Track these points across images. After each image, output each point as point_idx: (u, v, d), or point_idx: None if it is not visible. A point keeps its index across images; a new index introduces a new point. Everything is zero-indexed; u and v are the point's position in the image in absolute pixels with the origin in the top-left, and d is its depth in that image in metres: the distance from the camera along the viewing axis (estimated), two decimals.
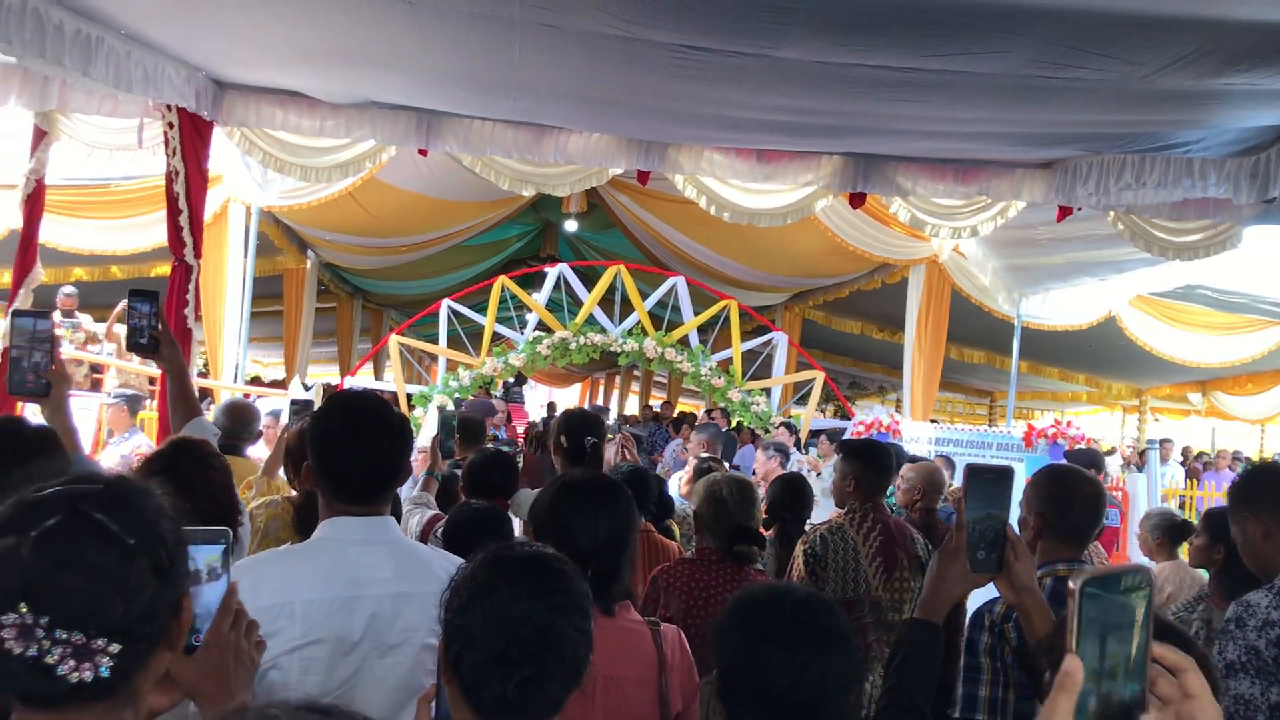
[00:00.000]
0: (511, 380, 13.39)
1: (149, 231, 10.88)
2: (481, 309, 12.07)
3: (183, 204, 6.22)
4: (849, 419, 12.15)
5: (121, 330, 10.87)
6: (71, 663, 1.21)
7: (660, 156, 6.74)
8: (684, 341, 12.03)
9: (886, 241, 11.52)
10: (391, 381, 12.11)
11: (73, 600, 1.21)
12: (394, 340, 11.85)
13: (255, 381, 13.87)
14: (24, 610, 1.19)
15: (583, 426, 4.23)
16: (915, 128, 5.76)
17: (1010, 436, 10.51)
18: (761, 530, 3.89)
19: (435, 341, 12.02)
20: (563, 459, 4.22)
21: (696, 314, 12.11)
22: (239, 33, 5.22)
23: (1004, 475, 2.00)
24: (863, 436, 9.84)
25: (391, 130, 6.38)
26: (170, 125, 6.06)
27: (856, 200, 7.36)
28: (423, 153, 6.65)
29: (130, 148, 6.45)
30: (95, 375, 10.64)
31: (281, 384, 14.97)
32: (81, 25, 4.69)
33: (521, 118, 6.41)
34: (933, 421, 12.04)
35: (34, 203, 6.33)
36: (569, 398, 28.16)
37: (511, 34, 4.41)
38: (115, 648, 1.23)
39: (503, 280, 12.03)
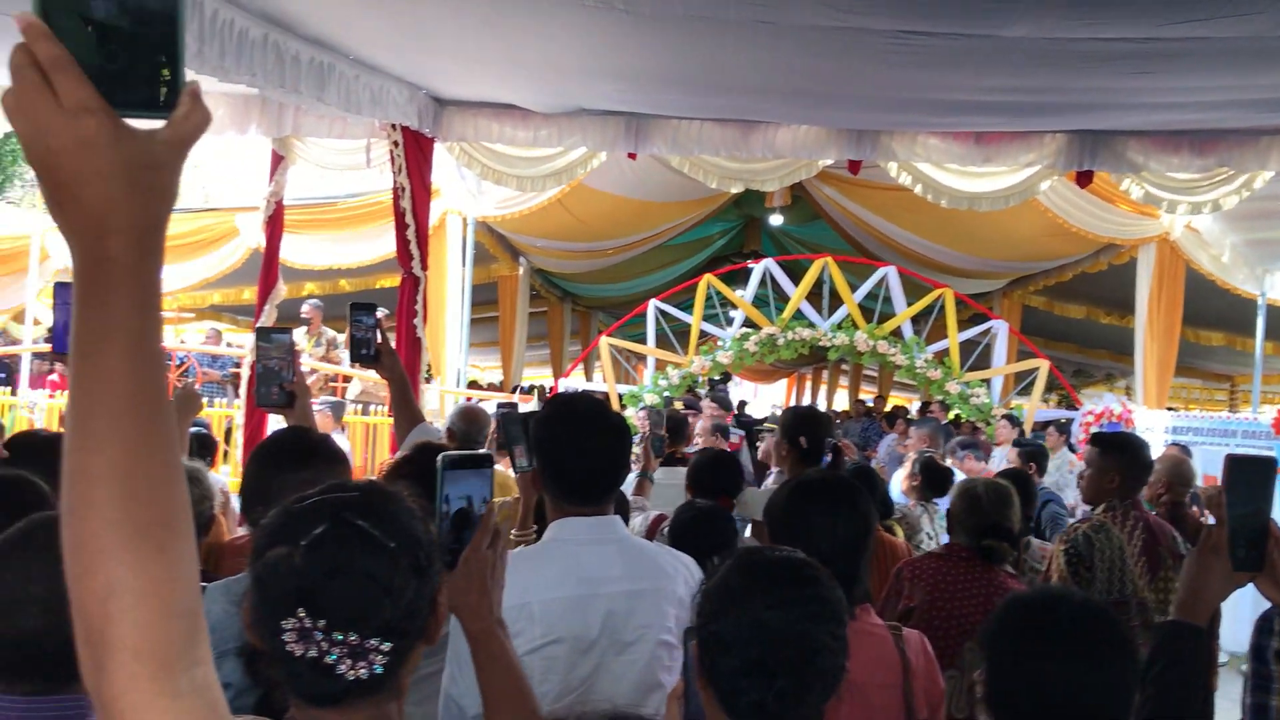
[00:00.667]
0: (716, 378, 13.44)
1: (373, 245, 11.49)
2: (687, 308, 12.14)
3: (409, 218, 6.52)
4: (1075, 409, 11.60)
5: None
6: (349, 662, 1.27)
7: (873, 144, 6.60)
8: (896, 333, 11.76)
9: (1113, 220, 10.92)
10: (602, 382, 12.34)
11: (346, 604, 1.27)
12: (604, 342, 12.07)
13: (474, 386, 14.41)
14: (301, 615, 1.26)
15: (818, 426, 4.17)
16: (1149, 100, 5.43)
17: (1257, 423, 9.80)
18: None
19: (643, 341, 12.18)
20: (794, 459, 4.18)
21: (909, 304, 11.82)
22: (458, 51, 5.42)
23: (1267, 466, 1.87)
24: (1097, 428, 9.36)
25: (601, 136, 6.50)
26: (395, 144, 6.36)
27: (1084, 179, 7.00)
28: (632, 156, 6.75)
29: (359, 167, 6.81)
30: (333, 385, 11.28)
31: (499, 387, 15.51)
32: (315, 54, 4.98)
33: (730, 115, 6.41)
34: (1169, 409, 11.35)
35: (274, 224, 6.77)
36: (775, 394, 27.99)
37: (725, 34, 4.42)
38: (387, 646, 1.29)
39: (708, 279, 12.06)
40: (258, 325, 3.24)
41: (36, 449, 3.04)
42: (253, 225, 11.81)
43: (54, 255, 12.88)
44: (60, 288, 2.78)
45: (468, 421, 5.44)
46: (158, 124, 0.83)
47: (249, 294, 14.23)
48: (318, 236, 11.75)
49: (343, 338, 11.79)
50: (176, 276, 12.52)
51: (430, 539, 1.41)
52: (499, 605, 1.74)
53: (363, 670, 1.28)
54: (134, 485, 0.81)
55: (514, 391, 12.83)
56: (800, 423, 4.20)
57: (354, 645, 1.28)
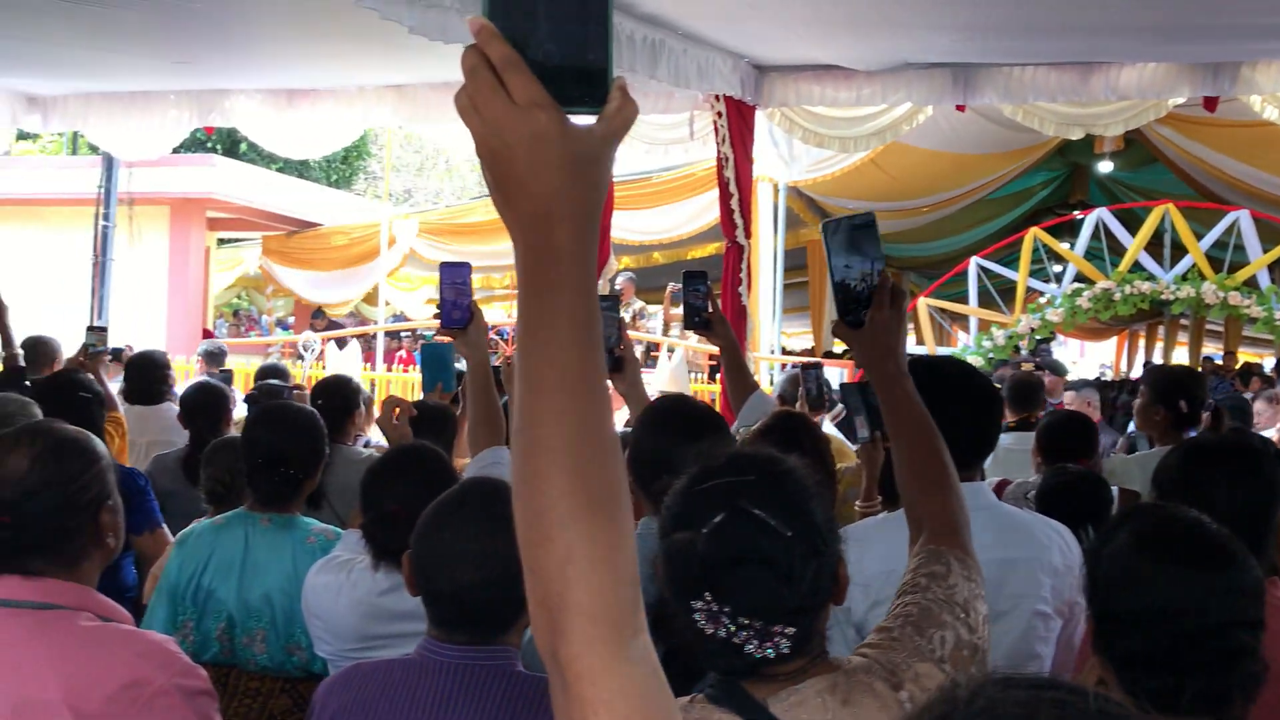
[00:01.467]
0: (1040, 339, 12.78)
1: (685, 217, 11.75)
2: (1010, 263, 11.60)
3: (733, 188, 6.61)
4: None
5: (678, 311, 11.84)
6: (755, 643, 1.32)
7: (1231, 78, 6.03)
8: (1250, 283, 10.73)
9: None
10: (916, 345, 12.04)
11: (747, 593, 1.32)
12: (922, 303, 11.76)
13: (786, 353, 14.46)
14: (708, 598, 1.31)
15: (1198, 388, 3.89)
16: None
17: None
18: None
19: (963, 301, 11.76)
20: (1168, 424, 3.91)
21: (1265, 251, 10.75)
22: (780, 14, 5.42)
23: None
24: None
25: (928, 90, 6.31)
26: (719, 114, 6.45)
27: None
28: (960, 109, 6.52)
29: (682, 140, 6.97)
30: (652, 354, 11.66)
31: (810, 352, 15.47)
32: (649, 32, 5.13)
33: (1068, 58, 6.05)
34: None
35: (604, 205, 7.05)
36: (1103, 353, 26.28)
37: None
38: (791, 630, 1.33)
39: (1034, 233, 11.47)
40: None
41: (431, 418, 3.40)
42: None
43: (400, 240, 14.03)
44: (447, 268, 2.86)
45: (794, 384, 5.48)
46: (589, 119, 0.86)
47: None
48: (633, 211, 12.13)
49: (652, 308, 12.14)
50: (507, 252, 13.31)
51: (827, 517, 1.42)
52: (903, 358, 1.71)
53: (769, 650, 1.32)
54: (583, 459, 0.85)
55: (826, 357, 12.75)
56: (1178, 385, 3.91)
57: (759, 629, 1.32)
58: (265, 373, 6.11)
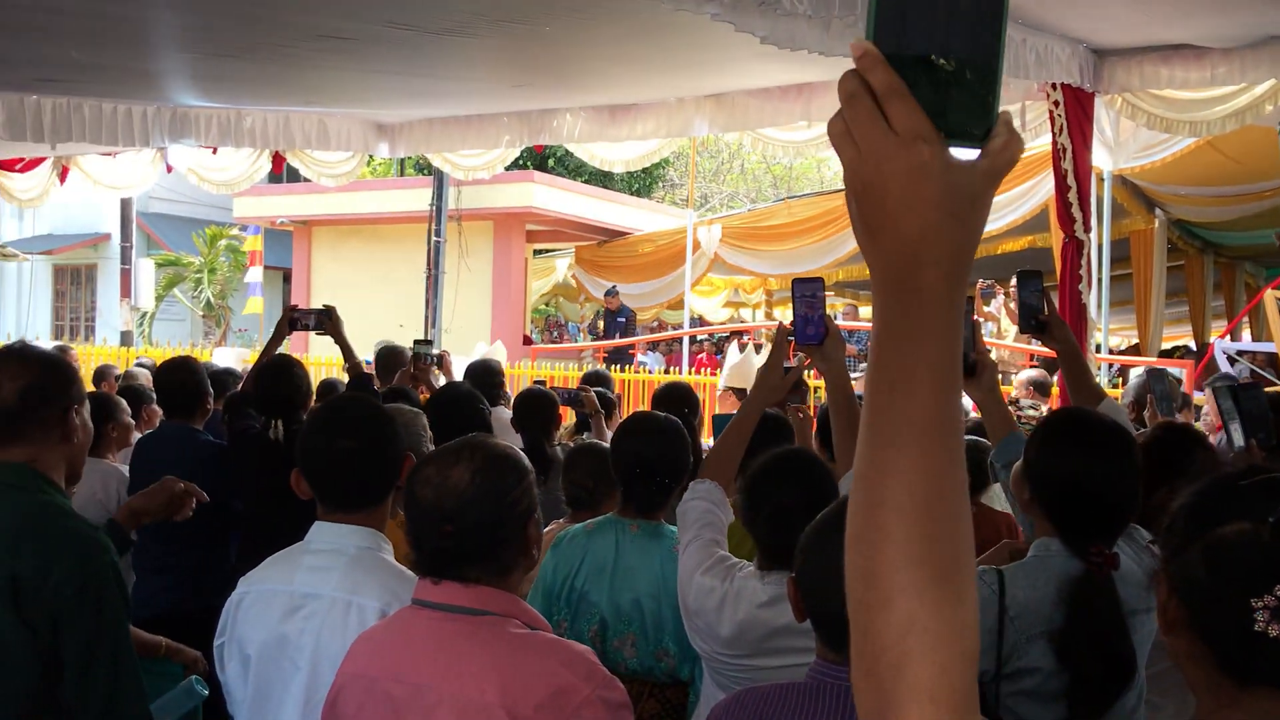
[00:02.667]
0: None
1: (999, 213, 11.20)
2: None
3: (1070, 180, 6.23)
4: None
5: (996, 310, 11.34)
6: None
7: None
8: None
9: None
10: (1265, 342, 10.94)
11: None
12: (1269, 296, 10.69)
13: (1110, 352, 13.53)
14: (1278, 591, 1.19)
15: None
16: None
17: None
18: None
19: None
20: None
21: None
22: None
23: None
24: None
25: None
26: (1055, 104, 6.09)
27: None
28: None
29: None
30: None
31: (1135, 351, 14.42)
32: None
33: None
34: None
35: None
36: None
37: None
38: None
39: None
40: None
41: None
42: None
43: (703, 246, 14.22)
44: (800, 284, 2.82)
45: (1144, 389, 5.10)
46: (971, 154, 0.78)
47: None
48: None
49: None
50: (809, 257, 13.22)
51: None
52: None
53: None
54: (933, 521, 0.78)
55: (1161, 356, 11.82)
56: None
57: None
58: (590, 379, 6.32)
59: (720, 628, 2.43)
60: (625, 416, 5.37)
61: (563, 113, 7.91)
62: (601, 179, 18.82)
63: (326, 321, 4.79)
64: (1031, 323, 3.02)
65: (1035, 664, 2.17)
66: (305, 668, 2.28)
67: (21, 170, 10.52)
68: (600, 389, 5.67)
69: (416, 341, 5.44)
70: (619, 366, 12.38)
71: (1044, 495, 2.29)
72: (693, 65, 6.50)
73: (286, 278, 23.32)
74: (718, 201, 27.70)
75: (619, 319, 15.05)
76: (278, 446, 3.91)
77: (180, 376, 4.55)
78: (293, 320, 4.80)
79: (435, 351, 5.49)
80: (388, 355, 5.86)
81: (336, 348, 4.90)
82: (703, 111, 7.42)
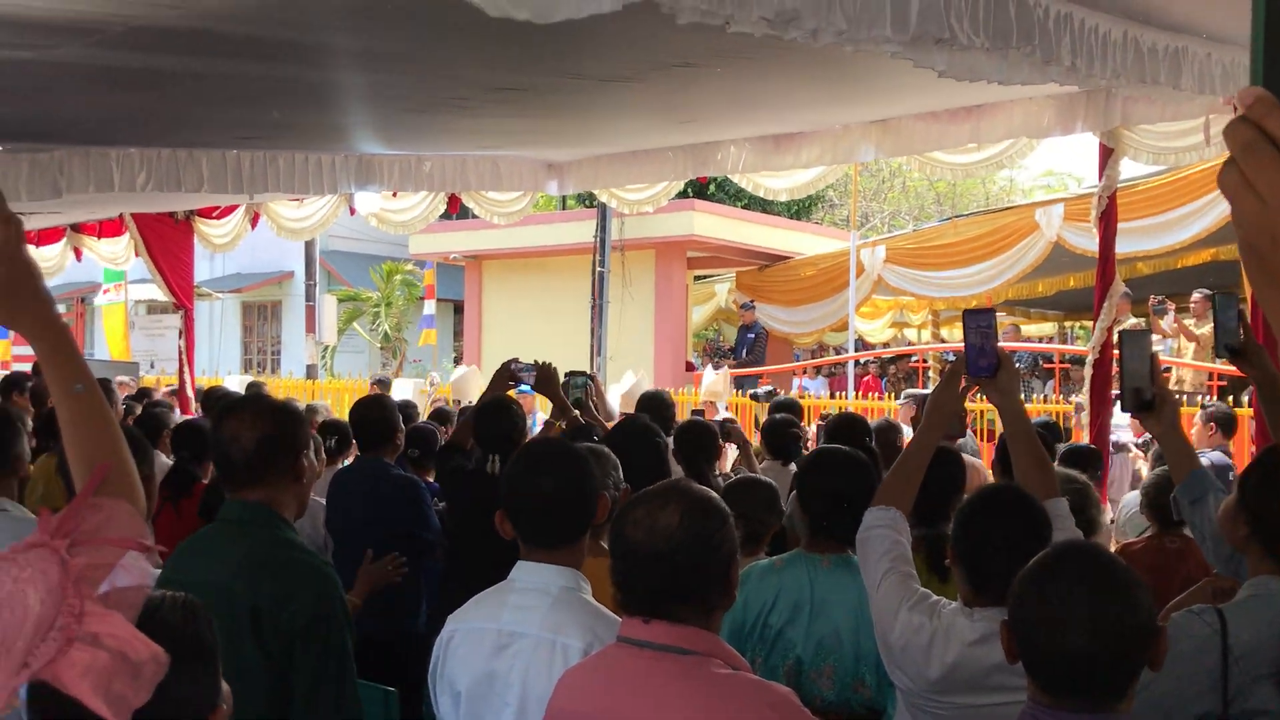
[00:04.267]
0: None
1: (1179, 227, 10.74)
2: None
3: None
4: None
5: (1201, 329, 10.85)
6: None
7: None
8: None
9: None
10: None
11: None
12: None
13: None
14: None
15: None
16: None
17: None
18: None
19: None
20: None
21: None
22: None
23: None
24: None
25: None
26: None
27: None
28: None
29: (1196, 147, 6.39)
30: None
31: None
32: (1169, 40, 4.78)
33: None
34: None
35: (1108, 218, 6.63)
36: None
37: None
38: None
39: None
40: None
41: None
42: (1052, 220, 11.75)
43: (867, 268, 14.07)
44: (971, 315, 2.81)
45: None
46: None
47: (1042, 287, 14.22)
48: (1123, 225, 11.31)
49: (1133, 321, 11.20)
50: (978, 278, 12.93)
51: None
52: None
53: None
54: None
55: None
56: None
57: None
58: (780, 408, 6.36)
59: (929, 668, 2.43)
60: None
61: (727, 144, 8.00)
62: (761, 202, 18.85)
63: (541, 377, 5.01)
64: (1226, 346, 2.89)
65: (1264, 705, 2.12)
66: (514, 704, 2.38)
67: (218, 217, 11.31)
68: (785, 415, 5.70)
69: (569, 374, 5.53)
70: (740, 390, 12.36)
71: (1264, 532, 2.24)
72: (859, 92, 6.50)
73: (458, 309, 24.17)
74: (879, 221, 27.33)
75: (749, 334, 14.93)
76: (493, 482, 4.10)
77: (374, 414, 4.84)
78: (511, 375, 5.02)
79: (577, 378, 5.58)
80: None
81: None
82: (869, 137, 7.39)
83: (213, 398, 8.28)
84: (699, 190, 17.48)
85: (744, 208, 19.34)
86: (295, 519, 2.65)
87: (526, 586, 2.44)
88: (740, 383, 12.96)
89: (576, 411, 5.07)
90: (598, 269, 15.04)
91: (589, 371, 5.87)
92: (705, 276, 18.57)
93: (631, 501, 2.08)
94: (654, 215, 13.42)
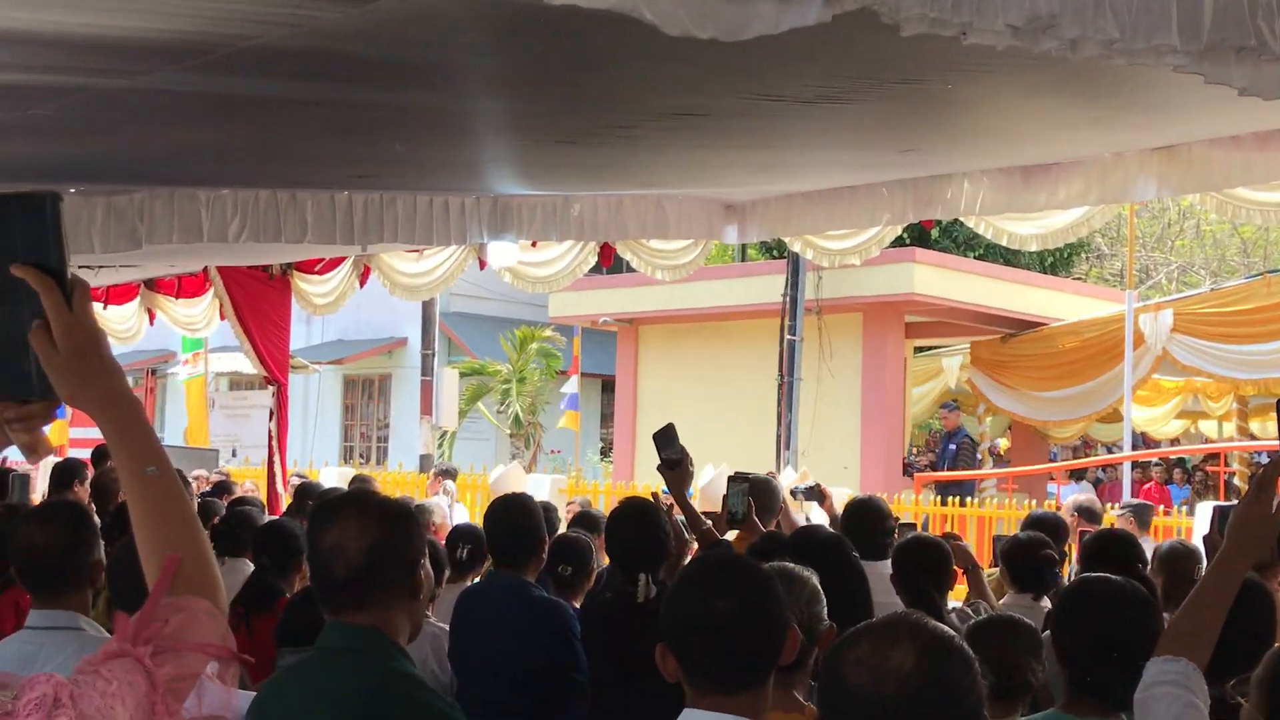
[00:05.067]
0: None
1: None
2: None
3: None
4: None
5: None
6: None
7: None
8: None
9: None
10: None
11: None
12: None
13: None
14: None
15: None
16: None
17: None
18: None
19: None
20: None
21: None
22: None
23: None
24: None
25: None
26: None
27: None
28: None
29: None
30: None
31: None
32: None
33: None
34: None
35: None
36: None
37: None
38: None
39: None
40: None
41: None
42: None
43: (1148, 338, 13.75)
44: None
45: None
46: None
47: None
48: None
49: None
50: None
51: None
52: None
53: None
54: None
55: None
56: None
57: None
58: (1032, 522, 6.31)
59: None
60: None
61: (959, 179, 7.99)
62: (1003, 253, 18.67)
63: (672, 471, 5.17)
64: None
65: None
66: None
67: (320, 272, 11.88)
68: (1036, 533, 5.63)
69: (731, 480, 5.63)
70: (950, 498, 12.19)
71: None
72: (1134, 113, 6.45)
73: (607, 387, 24.60)
74: (1164, 277, 26.66)
75: (949, 445, 14.86)
76: (644, 610, 4.19)
77: (517, 518, 4.97)
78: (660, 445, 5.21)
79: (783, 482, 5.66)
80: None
81: None
82: (1148, 169, 7.29)
83: (306, 494, 8.67)
84: (920, 237, 17.41)
85: (979, 259, 19.18)
86: (409, 641, 2.78)
87: None
88: (943, 489, 12.98)
89: (707, 525, 5.19)
90: (788, 337, 15.15)
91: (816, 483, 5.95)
92: (929, 348, 18.42)
93: (850, 636, 2.12)
94: (862, 268, 13.48)
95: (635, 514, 4.55)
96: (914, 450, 18.89)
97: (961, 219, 9.01)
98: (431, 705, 2.63)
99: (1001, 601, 5.36)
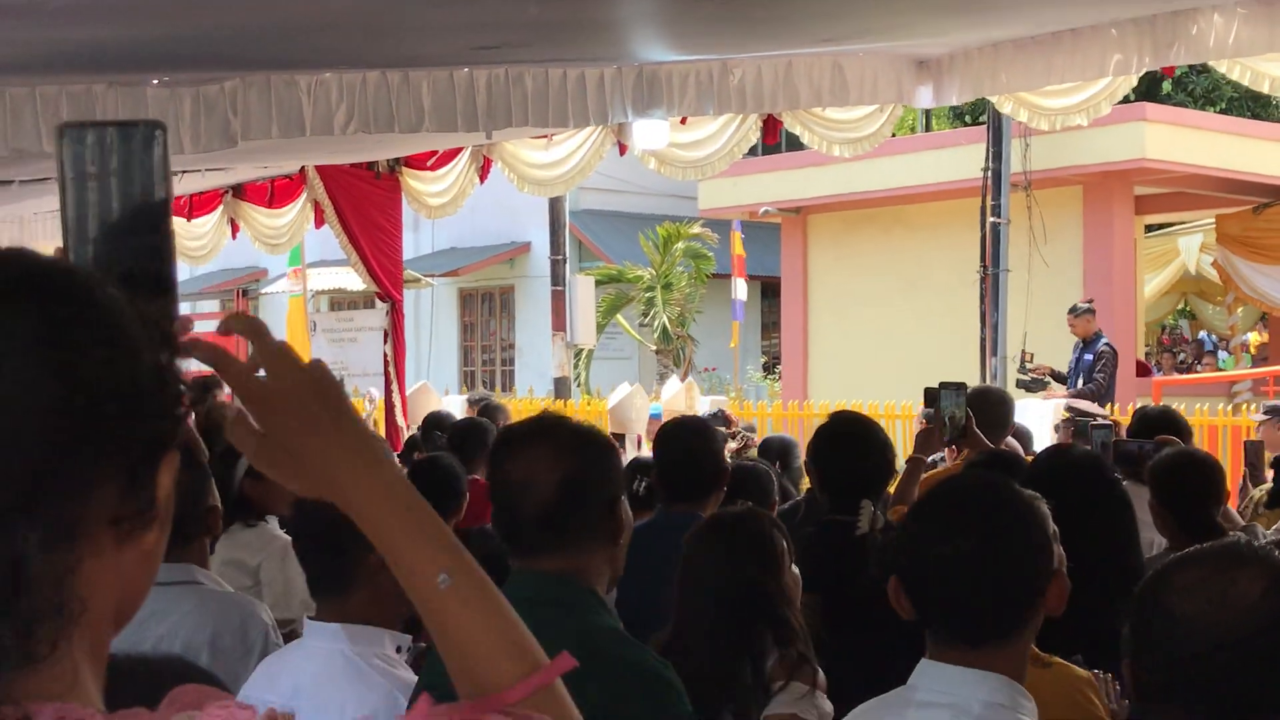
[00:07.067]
0: None
1: None
2: None
3: None
4: None
5: None
6: None
7: None
8: None
9: None
10: None
11: None
12: None
13: None
14: None
15: None
16: None
17: None
18: None
19: None
20: None
21: None
22: None
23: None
24: None
25: None
26: None
27: None
28: None
29: None
30: None
31: None
32: None
33: None
34: None
35: None
36: None
37: None
38: None
39: None
40: None
41: None
42: None
43: None
44: None
45: None
46: None
47: None
48: None
49: None
50: None
51: None
52: None
53: None
54: None
55: None
56: None
57: None
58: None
59: None
60: None
61: (1207, 11, 7.68)
62: (1251, 106, 18.12)
63: None
64: None
65: None
66: None
67: (432, 167, 11.90)
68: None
69: (943, 386, 5.50)
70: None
71: None
72: None
73: (766, 291, 24.52)
74: None
75: (1085, 355, 13.54)
76: (865, 543, 4.19)
77: (688, 446, 4.99)
78: None
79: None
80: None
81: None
82: None
83: (437, 425, 8.80)
84: (1150, 89, 16.94)
85: (1221, 114, 18.63)
86: (607, 593, 2.79)
87: (932, 699, 2.47)
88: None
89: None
90: (990, 219, 14.88)
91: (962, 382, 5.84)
92: (1163, 227, 18.02)
93: (1176, 562, 2.08)
94: (1080, 132, 13.11)
95: (853, 432, 4.52)
96: (1148, 351, 18.52)
97: (1209, 64, 8.74)
98: (646, 666, 2.63)
99: None
